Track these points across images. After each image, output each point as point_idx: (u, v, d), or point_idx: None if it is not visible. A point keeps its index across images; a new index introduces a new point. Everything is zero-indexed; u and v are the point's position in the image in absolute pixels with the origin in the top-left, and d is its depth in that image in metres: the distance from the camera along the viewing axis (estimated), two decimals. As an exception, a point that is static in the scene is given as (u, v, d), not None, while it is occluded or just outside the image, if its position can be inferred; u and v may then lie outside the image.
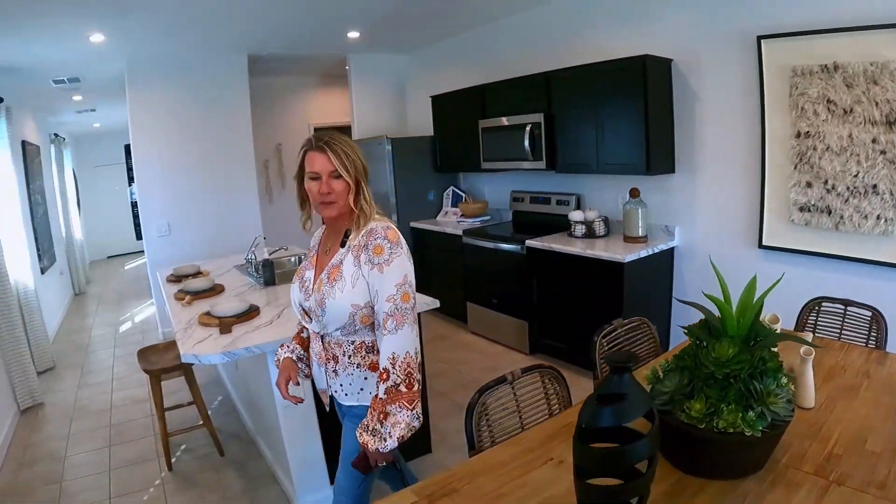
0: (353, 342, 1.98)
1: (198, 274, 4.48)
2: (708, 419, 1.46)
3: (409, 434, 1.88)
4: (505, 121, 5.14)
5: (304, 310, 2.06)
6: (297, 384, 2.17)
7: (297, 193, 2.05)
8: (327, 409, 2.22)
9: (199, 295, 3.81)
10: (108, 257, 13.46)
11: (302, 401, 2.13)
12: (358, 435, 1.92)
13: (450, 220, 6.24)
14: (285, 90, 8.40)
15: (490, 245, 5.19)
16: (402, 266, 1.91)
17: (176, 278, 4.43)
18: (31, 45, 5.00)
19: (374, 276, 1.87)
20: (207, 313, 3.19)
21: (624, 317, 2.67)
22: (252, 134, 6.69)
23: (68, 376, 5.76)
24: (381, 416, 1.87)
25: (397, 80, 7.49)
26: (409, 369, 1.89)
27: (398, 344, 1.87)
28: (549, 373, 2.24)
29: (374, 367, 1.99)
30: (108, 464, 3.88)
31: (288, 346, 2.25)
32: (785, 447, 1.60)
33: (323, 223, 2.15)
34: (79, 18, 4.43)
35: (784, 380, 1.50)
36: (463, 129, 5.75)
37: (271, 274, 4.00)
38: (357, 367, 2.00)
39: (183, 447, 4.01)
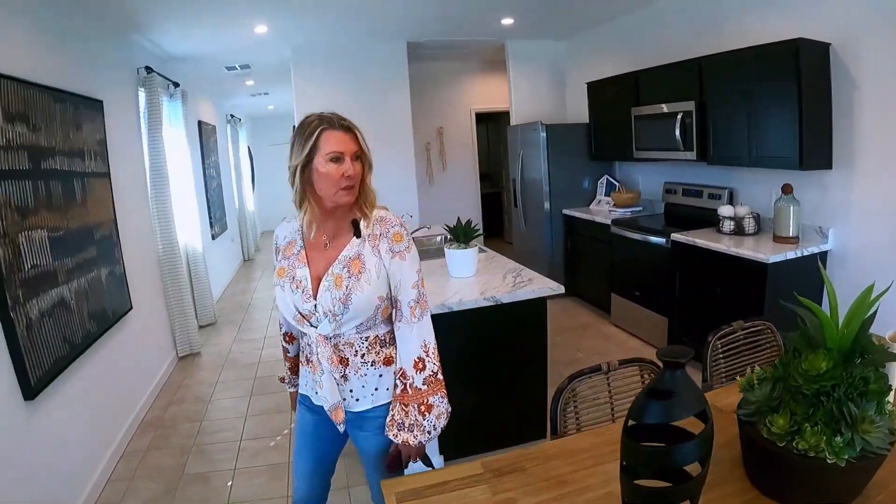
0: (366, 338, 1.86)
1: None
2: (789, 438, 1.32)
3: (446, 423, 1.90)
4: (657, 109, 4.94)
5: (301, 314, 1.85)
6: None
7: (298, 186, 1.80)
8: (341, 429, 1.93)
9: None
10: (280, 229, 14.51)
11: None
12: (393, 435, 1.85)
13: (602, 209, 6.13)
14: (447, 75, 8.57)
15: (637, 237, 5.06)
16: (416, 252, 1.90)
17: None
18: (203, 37, 5.55)
19: (396, 265, 1.82)
20: None
21: (765, 321, 2.51)
22: (412, 118, 6.95)
23: (226, 331, 6.41)
24: (425, 408, 1.83)
25: (555, 67, 7.41)
26: (438, 355, 1.88)
27: (426, 331, 1.86)
28: (650, 367, 2.17)
29: (388, 361, 1.90)
30: (245, 411, 4.33)
31: (288, 381, 2.21)
32: (881, 485, 1.41)
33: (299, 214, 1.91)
34: (243, 12, 4.84)
35: (889, 407, 1.32)
36: (617, 116, 5.61)
37: None
38: (371, 366, 1.88)
39: (315, 404, 4.32)
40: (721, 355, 2.39)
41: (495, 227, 10.10)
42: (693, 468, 1.27)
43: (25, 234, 2.92)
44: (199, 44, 5.77)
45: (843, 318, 1.35)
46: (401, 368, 1.86)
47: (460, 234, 3.52)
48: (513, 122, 7.33)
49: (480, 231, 3.65)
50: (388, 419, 1.87)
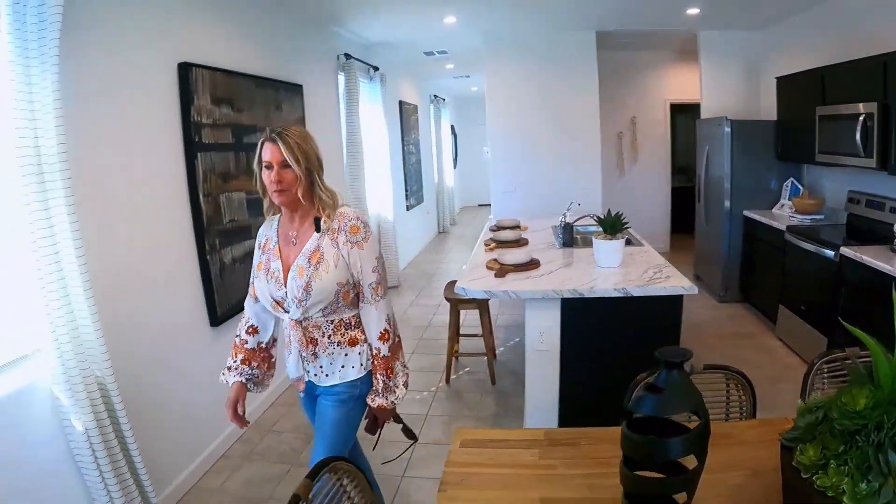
0: (332, 322, 2.14)
1: (515, 227, 5.08)
2: (815, 471, 1.23)
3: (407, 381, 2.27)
4: (839, 109, 4.54)
5: (275, 301, 2.14)
6: (244, 410, 2.27)
7: (258, 182, 2.10)
8: (302, 395, 2.34)
9: (503, 244, 4.44)
10: (479, 205, 15.14)
11: (247, 424, 2.31)
12: (370, 401, 2.19)
13: (783, 214, 5.76)
14: (641, 65, 8.40)
15: (808, 246, 4.71)
16: (375, 242, 2.17)
17: (496, 228, 5.09)
18: (396, 27, 6.07)
19: (355, 253, 2.08)
20: (495, 259, 3.80)
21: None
22: (602, 106, 6.96)
23: (407, 295, 7.03)
24: (390, 372, 2.17)
25: (749, 59, 6.95)
26: (397, 325, 2.22)
27: (387, 307, 2.17)
28: (736, 378, 2.15)
29: (353, 342, 2.18)
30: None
31: (235, 369, 2.29)
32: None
33: (271, 214, 2.23)
34: (433, 4, 5.23)
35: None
36: (802, 114, 5.22)
37: (569, 237, 4.39)
38: (337, 346, 2.16)
39: (466, 369, 4.76)
40: (826, 380, 2.26)
41: (687, 222, 9.76)
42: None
43: (226, 195, 3.59)
44: (395, 32, 6.31)
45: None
46: (369, 344, 2.19)
47: (608, 226, 3.61)
48: (703, 115, 7.08)
49: (629, 224, 3.73)
50: (376, 382, 2.20)
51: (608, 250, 3.62)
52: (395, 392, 2.19)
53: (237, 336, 2.32)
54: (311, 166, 2.04)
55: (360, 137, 5.91)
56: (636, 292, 3.23)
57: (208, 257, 3.43)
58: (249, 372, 2.29)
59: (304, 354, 2.17)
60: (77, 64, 2.54)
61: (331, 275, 2.06)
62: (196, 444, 3.41)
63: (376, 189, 6.68)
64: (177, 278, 3.28)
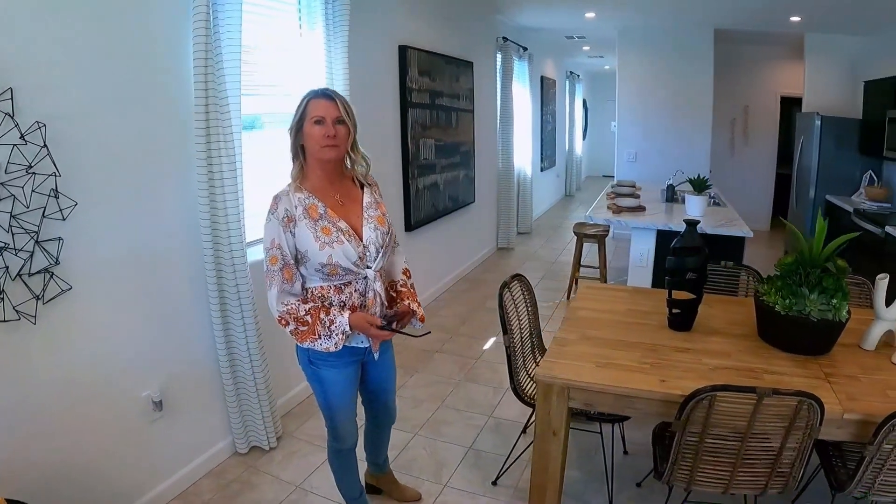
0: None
1: (632, 186, 6.09)
2: (764, 293, 2.32)
3: None
4: None
5: (359, 258, 1.95)
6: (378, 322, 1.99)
7: (291, 145, 1.98)
8: (377, 356, 2.16)
9: (620, 196, 5.43)
10: (603, 176, 15.78)
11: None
12: (416, 307, 2.15)
13: (858, 200, 6.27)
14: (758, 58, 8.71)
15: (866, 225, 5.33)
16: None
17: (616, 185, 6.20)
18: (545, 15, 7.05)
19: (383, 205, 2.12)
20: (614, 203, 4.89)
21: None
22: (712, 95, 7.48)
23: (537, 239, 8.26)
24: (415, 296, 2.22)
25: (850, 61, 7.22)
26: None
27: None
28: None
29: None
30: (536, 283, 5.88)
31: (336, 315, 1.94)
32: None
33: (294, 184, 1.99)
34: (576, 4, 6.21)
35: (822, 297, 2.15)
36: (880, 116, 5.79)
37: (671, 195, 5.37)
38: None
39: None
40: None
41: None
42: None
43: (423, 141, 4.87)
44: (542, 20, 7.32)
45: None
46: (397, 281, 2.23)
47: (696, 185, 4.58)
48: (803, 109, 7.47)
49: (711, 184, 4.56)
50: (414, 305, 2.16)
51: (694, 202, 4.50)
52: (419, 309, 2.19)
53: (306, 314, 1.94)
54: (356, 125, 2.00)
55: (511, 107, 6.99)
56: (708, 230, 4.08)
57: (409, 182, 4.74)
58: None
59: (385, 304, 2.09)
60: (351, 43, 3.72)
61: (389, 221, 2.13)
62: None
63: (520, 150, 7.76)
64: (391, 194, 4.55)
